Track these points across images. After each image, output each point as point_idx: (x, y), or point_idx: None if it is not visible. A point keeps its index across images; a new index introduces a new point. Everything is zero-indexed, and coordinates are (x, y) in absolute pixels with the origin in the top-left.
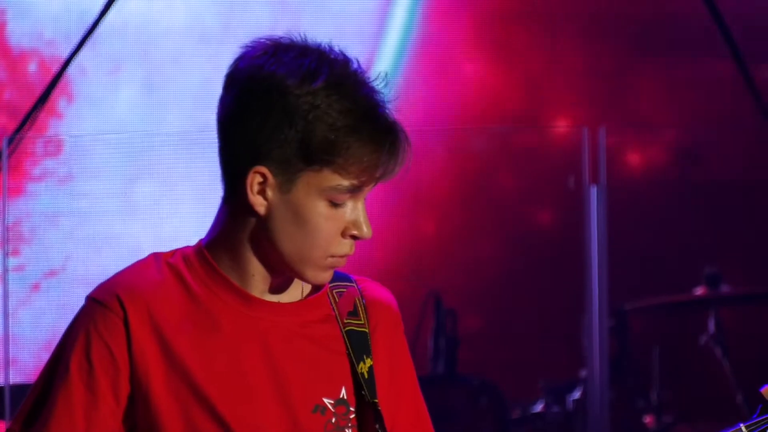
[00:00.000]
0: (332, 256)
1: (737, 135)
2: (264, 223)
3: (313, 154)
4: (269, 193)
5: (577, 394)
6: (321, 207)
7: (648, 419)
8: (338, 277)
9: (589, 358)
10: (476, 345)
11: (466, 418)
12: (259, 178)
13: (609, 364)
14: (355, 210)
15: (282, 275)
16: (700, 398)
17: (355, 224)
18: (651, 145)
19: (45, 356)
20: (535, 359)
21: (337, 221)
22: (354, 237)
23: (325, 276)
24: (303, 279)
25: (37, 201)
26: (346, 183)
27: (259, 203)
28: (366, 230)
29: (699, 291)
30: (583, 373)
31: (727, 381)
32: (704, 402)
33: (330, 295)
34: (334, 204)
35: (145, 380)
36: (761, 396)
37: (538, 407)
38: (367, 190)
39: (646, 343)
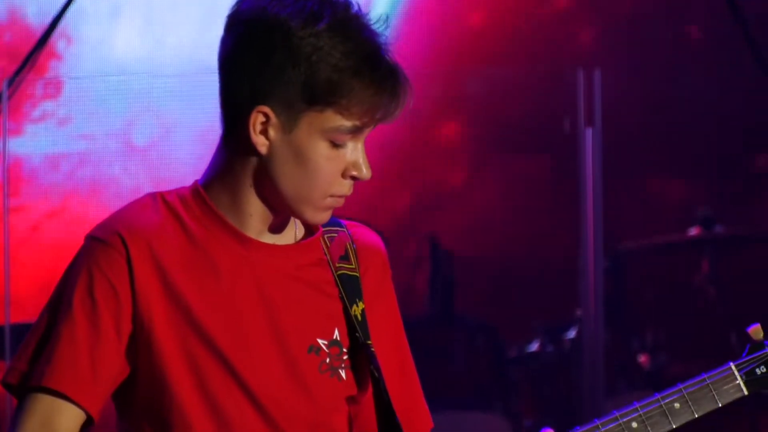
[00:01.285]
0: (331, 196)
1: (732, 80)
2: (265, 163)
3: (316, 95)
4: (271, 132)
5: (572, 334)
6: (322, 147)
7: (642, 359)
8: (329, 222)
9: (584, 299)
10: (472, 286)
11: (463, 358)
12: (261, 118)
13: (604, 304)
14: (355, 151)
15: (279, 216)
16: (694, 338)
17: (355, 165)
18: (646, 86)
19: (45, 296)
20: (531, 300)
21: (338, 162)
22: (354, 178)
23: (324, 216)
24: (302, 219)
25: (37, 142)
26: (348, 124)
27: (261, 143)
28: (366, 171)
29: (693, 232)
30: (579, 313)
31: (720, 321)
32: (698, 342)
33: (322, 240)
34: (335, 145)
35: (147, 316)
36: (748, 336)
37: (534, 347)
38: (368, 132)
39: (641, 283)
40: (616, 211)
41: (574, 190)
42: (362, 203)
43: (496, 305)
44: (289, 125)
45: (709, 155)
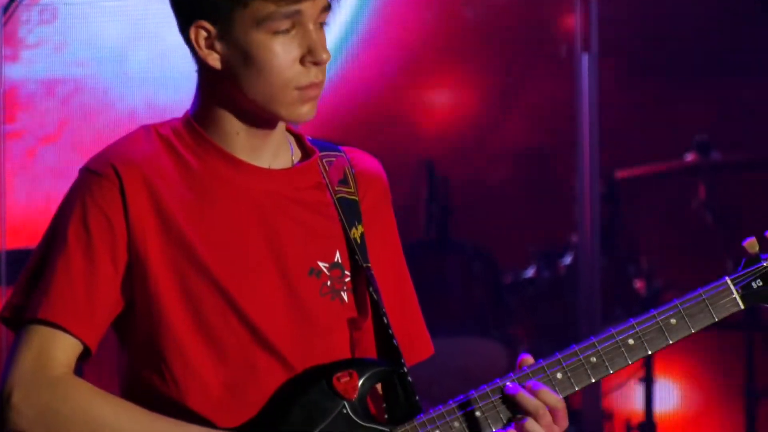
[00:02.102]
0: (298, 88)
1: (731, 7)
2: (225, 76)
3: None
4: (216, 45)
5: (568, 260)
6: (265, 40)
7: (638, 285)
8: (326, 147)
9: (580, 225)
10: (468, 212)
11: (459, 283)
12: (203, 33)
13: (600, 230)
14: (306, 36)
15: (264, 130)
16: (690, 264)
17: (310, 50)
18: (644, 12)
19: (41, 223)
20: (527, 225)
21: (289, 51)
22: (315, 63)
23: (303, 111)
24: (284, 119)
25: (33, 68)
26: (275, 8)
27: (212, 58)
28: (321, 54)
29: (689, 158)
30: (575, 238)
31: (717, 247)
32: (695, 268)
33: (320, 164)
34: (278, 33)
35: (142, 248)
36: (744, 249)
37: (530, 273)
38: (312, 14)
39: (637, 209)
40: (612, 137)
41: (570, 115)
42: (355, 131)
43: (492, 231)
44: (226, 30)
45: (707, 82)
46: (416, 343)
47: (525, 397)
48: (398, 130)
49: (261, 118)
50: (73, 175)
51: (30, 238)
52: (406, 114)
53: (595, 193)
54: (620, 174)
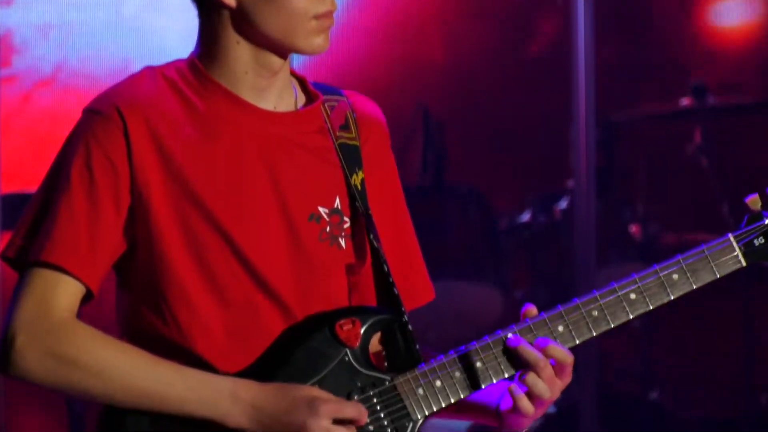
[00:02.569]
0: (316, 17)
1: None
2: (240, 13)
3: None
4: None
5: (564, 205)
6: None
7: (634, 229)
8: (329, 90)
9: (576, 169)
10: (464, 157)
11: (455, 228)
12: None
13: (596, 174)
14: None
15: (272, 68)
16: (686, 208)
17: None
18: None
19: (37, 166)
20: (523, 170)
21: None
22: None
23: (319, 41)
24: (301, 51)
25: (28, 12)
26: None
27: None
28: None
29: (685, 102)
30: (570, 183)
31: (713, 191)
32: (690, 212)
33: (323, 108)
34: None
35: (145, 190)
36: (746, 206)
37: (526, 217)
38: None
39: (633, 153)
40: (607, 82)
41: (566, 59)
42: (350, 77)
43: (488, 176)
44: None
45: (702, 27)
46: (418, 288)
47: (526, 349)
48: (393, 76)
49: (271, 57)
50: (69, 118)
51: (25, 183)
52: (401, 59)
53: (590, 138)
54: (616, 119)
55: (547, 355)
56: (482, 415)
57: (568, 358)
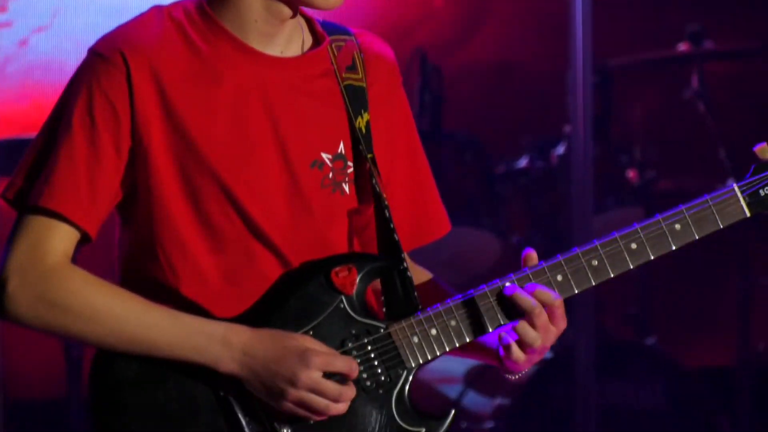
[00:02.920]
0: None
1: None
2: None
3: None
4: None
5: (560, 150)
6: None
7: (631, 174)
8: (337, 30)
9: (573, 114)
10: (461, 102)
11: (451, 173)
12: None
13: (593, 119)
14: None
15: (282, 17)
16: (683, 154)
17: None
18: None
19: (35, 112)
20: (520, 115)
21: None
22: None
23: None
24: (315, 6)
25: None
26: None
27: None
28: None
29: (682, 47)
30: (567, 128)
31: (709, 136)
32: (687, 157)
33: (330, 49)
34: None
35: (146, 137)
36: (754, 155)
37: (522, 163)
38: None
39: (630, 99)
40: (604, 27)
41: (563, 4)
42: (346, 22)
43: (485, 121)
44: None
45: None
46: (433, 221)
47: (521, 297)
48: (390, 19)
49: (282, 7)
50: (66, 65)
51: (22, 128)
52: (398, 3)
53: (587, 83)
54: (613, 64)
55: (534, 299)
56: (483, 355)
57: (556, 302)
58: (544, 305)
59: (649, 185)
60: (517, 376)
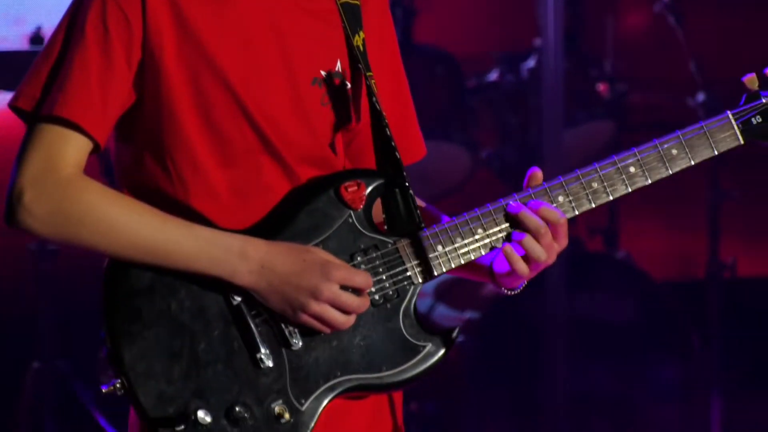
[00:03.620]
0: None
1: None
2: None
3: None
4: None
5: (531, 63)
6: None
7: (602, 88)
8: None
9: (543, 28)
10: (432, 15)
11: (422, 88)
12: None
13: (563, 33)
14: None
15: None
16: (653, 66)
17: None
18: None
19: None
20: (491, 29)
21: None
22: None
23: None
24: None
25: None
26: None
27: None
28: None
29: None
30: (538, 42)
31: (681, 51)
32: (658, 70)
33: None
34: None
35: (157, 49)
36: (744, 85)
37: (493, 76)
38: None
39: (601, 11)
40: None
41: None
42: None
43: (456, 35)
44: None
45: None
46: (413, 146)
47: (527, 216)
48: None
49: None
50: None
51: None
52: None
53: None
54: None
55: (539, 217)
56: (474, 272)
57: (561, 219)
58: (550, 223)
59: (619, 99)
60: (514, 292)
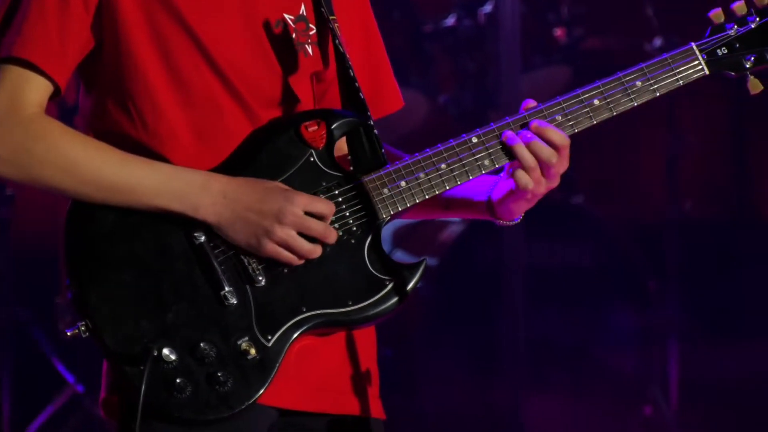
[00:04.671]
0: None
1: None
2: None
3: None
4: None
5: (488, 8)
6: None
7: (558, 33)
8: None
9: None
10: None
11: (379, 32)
12: None
13: None
14: None
15: None
16: (610, 11)
17: None
18: None
19: None
20: None
21: None
22: None
23: None
24: None
25: None
26: None
27: None
28: None
29: None
30: None
31: None
32: (615, 15)
33: None
34: None
35: None
36: (709, 20)
37: (450, 21)
38: None
39: None
40: None
41: None
42: None
43: None
44: None
45: None
46: (386, 95)
47: (520, 148)
48: None
49: None
50: None
51: None
52: None
53: None
54: None
55: (544, 138)
56: (470, 209)
57: (565, 141)
58: (556, 145)
59: (576, 43)
60: (512, 222)
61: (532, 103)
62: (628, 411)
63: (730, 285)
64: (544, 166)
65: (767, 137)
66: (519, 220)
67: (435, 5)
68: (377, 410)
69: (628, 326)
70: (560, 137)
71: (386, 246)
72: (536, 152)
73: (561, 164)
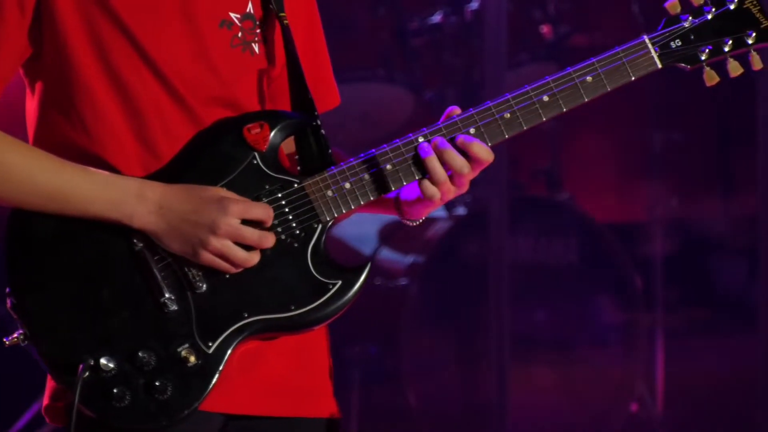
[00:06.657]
0: None
1: None
2: None
3: None
4: None
5: (475, 5)
6: None
7: (545, 30)
8: None
9: None
10: None
11: (365, 29)
12: None
13: None
14: None
15: None
16: (596, 7)
17: None
18: None
19: None
20: None
21: None
22: None
23: None
24: None
25: None
26: None
27: None
28: None
29: None
30: None
31: None
32: (601, 11)
33: None
34: None
35: None
36: (665, 11)
37: (436, 18)
38: None
39: None
40: None
41: None
42: None
43: None
44: None
45: None
46: (326, 93)
47: (434, 161)
48: None
49: None
50: None
51: None
52: None
53: None
54: None
55: (471, 153)
56: (379, 205)
57: (490, 157)
58: (479, 160)
59: (562, 40)
60: (416, 222)
61: (456, 110)
62: (613, 407)
63: (716, 281)
64: (455, 176)
65: (750, 132)
66: (421, 221)
67: (421, 2)
68: (332, 409)
69: (614, 322)
70: (486, 153)
71: (371, 244)
72: (449, 162)
73: (473, 174)
